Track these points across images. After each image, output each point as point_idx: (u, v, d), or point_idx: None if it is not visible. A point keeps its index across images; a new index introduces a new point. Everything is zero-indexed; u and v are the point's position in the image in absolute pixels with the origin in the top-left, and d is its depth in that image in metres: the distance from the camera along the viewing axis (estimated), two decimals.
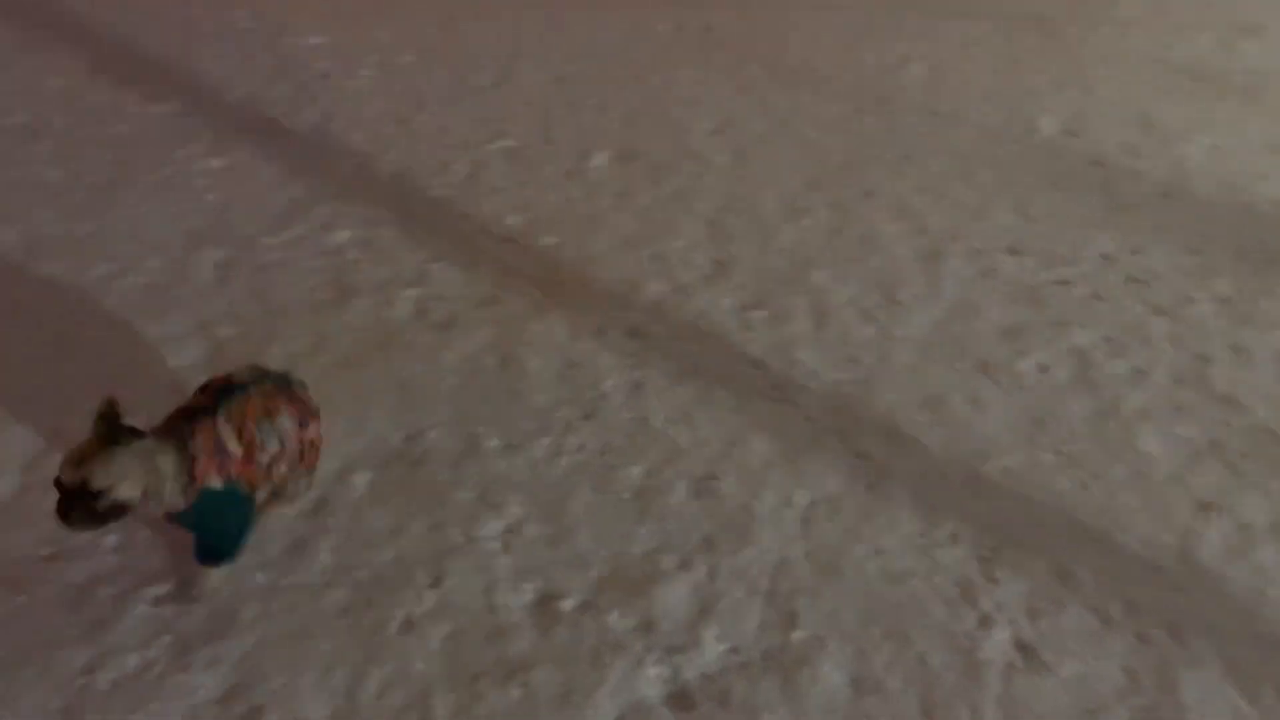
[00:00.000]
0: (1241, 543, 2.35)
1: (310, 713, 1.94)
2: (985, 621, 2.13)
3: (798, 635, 2.12)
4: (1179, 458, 2.61)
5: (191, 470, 1.96)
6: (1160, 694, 1.98)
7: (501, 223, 3.74)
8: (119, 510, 1.89)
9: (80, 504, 1.86)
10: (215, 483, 2.00)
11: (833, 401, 2.81)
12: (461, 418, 2.74)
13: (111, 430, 1.91)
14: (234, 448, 2.03)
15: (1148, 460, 2.59)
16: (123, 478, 1.87)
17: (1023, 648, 2.07)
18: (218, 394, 2.10)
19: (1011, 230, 3.67)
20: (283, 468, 2.16)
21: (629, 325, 3.15)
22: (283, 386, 2.19)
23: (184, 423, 2.01)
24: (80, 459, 1.86)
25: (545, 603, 2.19)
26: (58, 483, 1.86)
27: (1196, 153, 4.28)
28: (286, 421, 2.13)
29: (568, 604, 2.19)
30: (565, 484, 2.52)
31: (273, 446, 2.10)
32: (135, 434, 1.95)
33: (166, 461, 1.93)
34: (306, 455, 2.25)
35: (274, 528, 2.33)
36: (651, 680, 2.03)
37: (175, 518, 2.05)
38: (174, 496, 1.95)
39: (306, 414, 2.20)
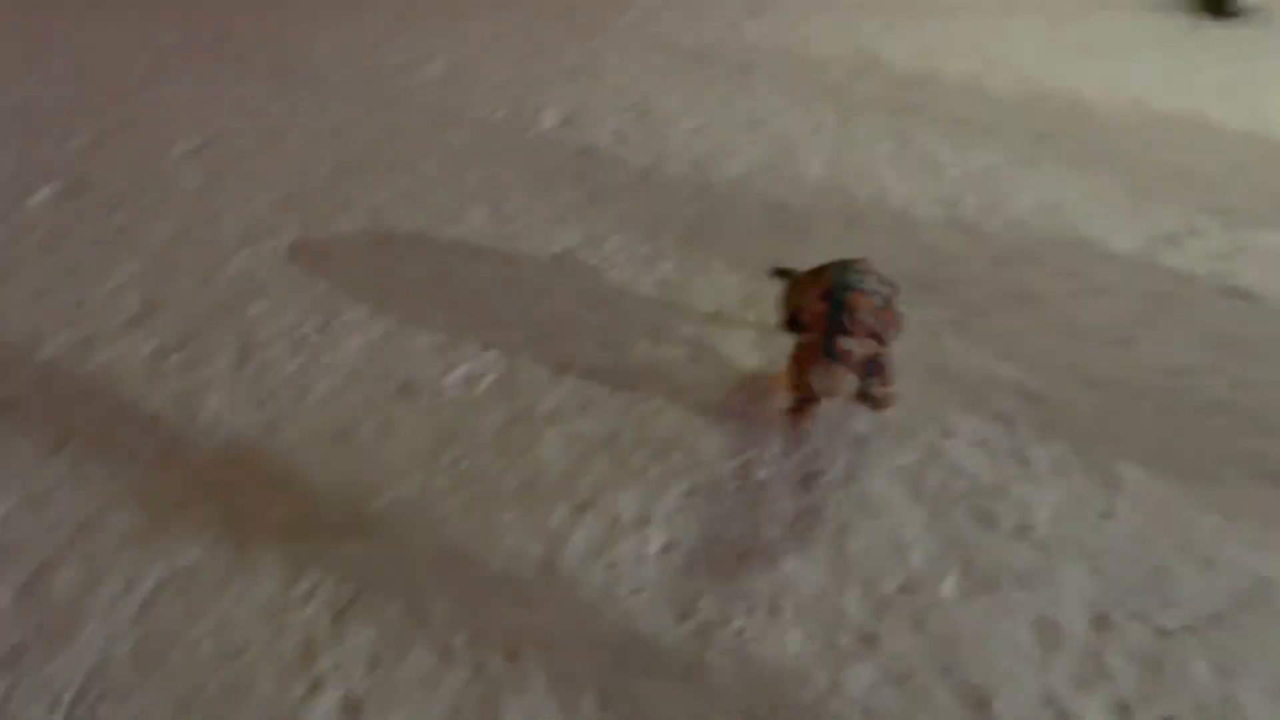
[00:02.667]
0: (604, 540, 2.33)
1: None
2: (316, 686, 1.97)
3: None
4: (571, 458, 2.57)
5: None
6: None
7: None
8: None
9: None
10: None
11: (228, 453, 2.55)
12: None
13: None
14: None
15: (540, 466, 2.56)
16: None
17: (350, 707, 1.93)
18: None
19: (479, 231, 3.59)
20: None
21: (5, 398, 2.74)
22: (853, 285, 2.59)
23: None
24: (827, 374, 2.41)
25: None
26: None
27: (679, 135, 4.40)
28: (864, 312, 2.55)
29: None
30: None
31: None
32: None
33: None
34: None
35: None
36: None
37: None
38: None
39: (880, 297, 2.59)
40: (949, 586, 2.27)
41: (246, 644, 2.08)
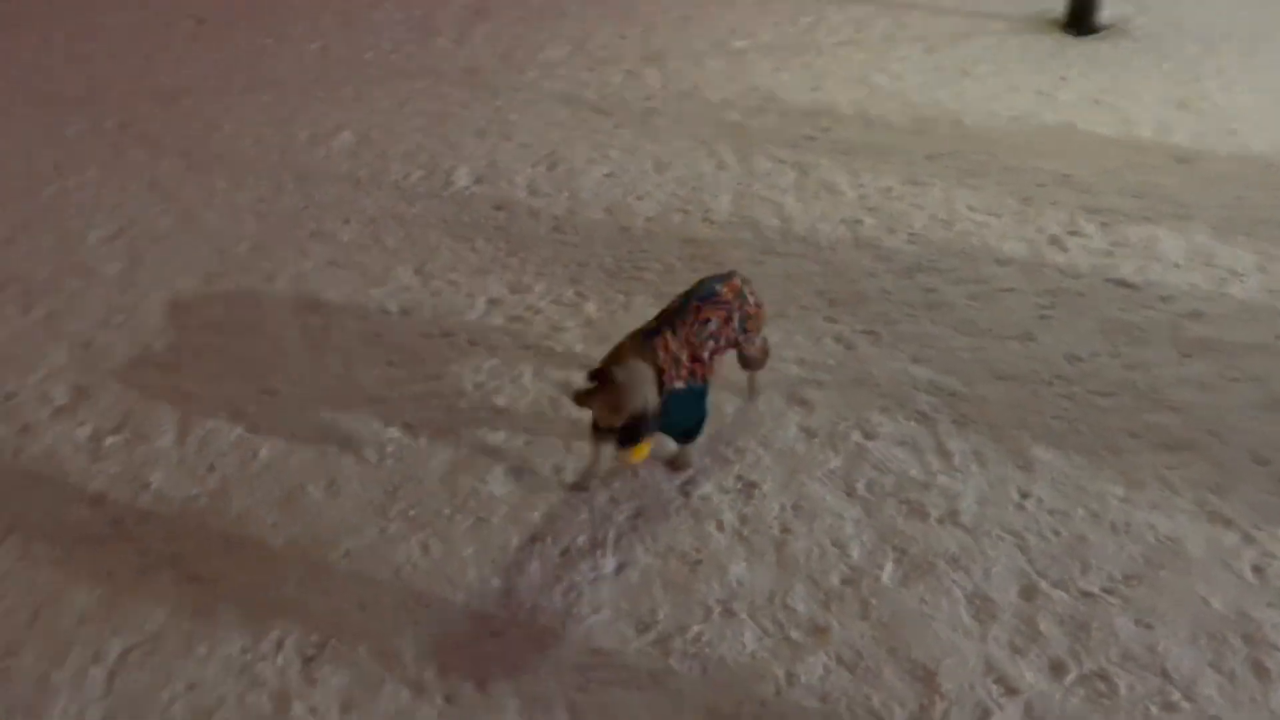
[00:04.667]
0: (560, 567, 2.41)
1: None
2: None
3: None
4: (520, 494, 2.66)
5: (662, 378, 2.56)
6: None
7: None
8: (653, 419, 2.52)
9: (633, 431, 2.43)
10: (679, 385, 2.61)
11: (179, 524, 2.58)
12: None
13: (608, 370, 2.49)
14: (685, 358, 2.62)
15: (490, 504, 2.65)
16: (646, 399, 2.43)
17: None
18: (664, 316, 2.72)
19: (407, 290, 3.68)
20: (709, 355, 2.69)
21: None
22: (706, 295, 2.76)
23: (645, 342, 2.61)
24: (616, 406, 2.42)
25: None
26: (612, 430, 2.47)
27: (590, 183, 4.56)
28: (713, 323, 2.70)
29: None
30: None
31: (709, 345, 2.69)
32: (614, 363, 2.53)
33: (642, 371, 2.53)
34: (749, 327, 2.81)
35: None
36: None
37: None
38: (654, 395, 2.53)
39: (729, 307, 2.76)
40: (888, 574, 2.41)
41: (219, 700, 2.12)
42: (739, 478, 2.71)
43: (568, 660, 2.18)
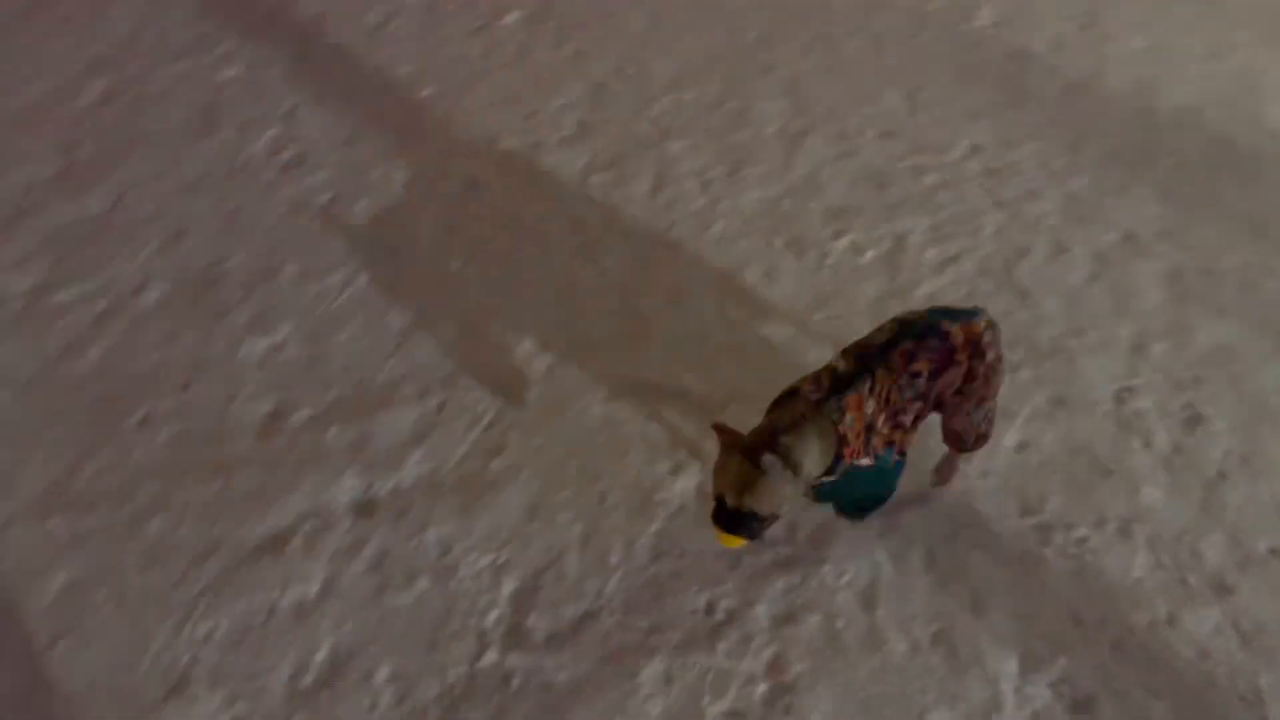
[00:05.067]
0: None
1: (23, 489, 2.22)
2: (676, 469, 2.24)
3: (497, 464, 2.27)
4: None
5: (840, 450, 1.93)
6: (810, 548, 2.09)
7: (388, 72, 3.80)
8: (771, 523, 1.94)
9: (736, 523, 1.88)
10: (864, 462, 2.00)
11: (634, 261, 2.85)
12: (271, 248, 2.92)
13: (759, 450, 1.86)
14: (881, 423, 1.99)
15: None
16: (780, 504, 1.88)
17: (701, 492, 2.22)
18: (863, 355, 2.01)
19: (892, 115, 3.58)
20: (913, 420, 2.04)
21: (470, 176, 3.23)
22: (922, 333, 2.01)
23: (830, 404, 1.90)
24: (741, 487, 1.85)
25: (275, 416, 2.39)
26: (720, 500, 1.88)
27: (1124, 52, 4.03)
28: (923, 378, 1.99)
29: (295, 419, 2.38)
30: (341, 314, 2.68)
31: (915, 406, 2.02)
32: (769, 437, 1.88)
33: (814, 447, 1.89)
34: (973, 394, 2.07)
35: None
36: (344, 489, 2.22)
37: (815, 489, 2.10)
38: (818, 474, 1.94)
39: (951, 357, 2.01)
40: None
41: (626, 418, 2.39)
42: (1188, 405, 2.43)
43: (941, 509, 2.17)
